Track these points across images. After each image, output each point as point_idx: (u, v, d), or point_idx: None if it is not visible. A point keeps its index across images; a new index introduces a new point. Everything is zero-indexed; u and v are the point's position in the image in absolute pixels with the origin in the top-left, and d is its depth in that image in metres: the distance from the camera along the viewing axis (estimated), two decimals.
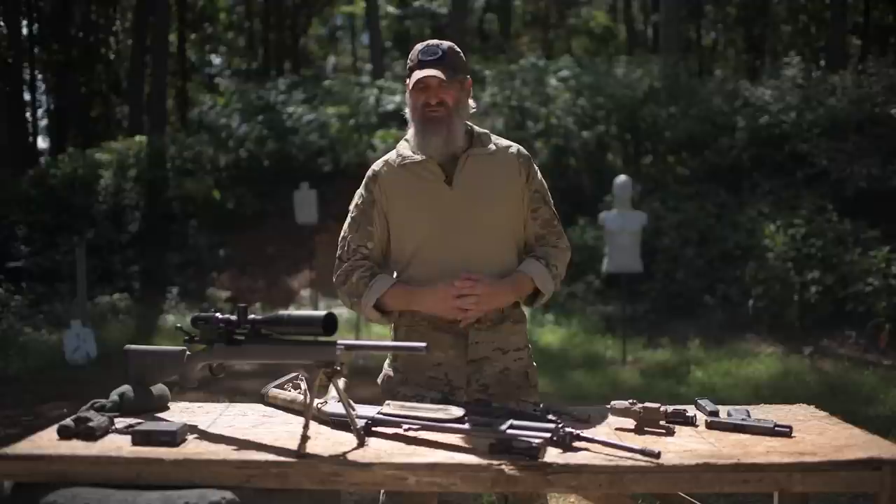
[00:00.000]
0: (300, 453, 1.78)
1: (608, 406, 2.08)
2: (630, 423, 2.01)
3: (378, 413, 1.99)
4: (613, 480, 1.73)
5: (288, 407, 2.22)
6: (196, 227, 13.35)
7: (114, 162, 14.27)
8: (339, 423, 1.98)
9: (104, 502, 1.68)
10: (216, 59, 28.10)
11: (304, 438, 1.80)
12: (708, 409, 2.13)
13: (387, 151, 2.51)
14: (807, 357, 7.89)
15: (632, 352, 8.19)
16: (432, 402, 2.16)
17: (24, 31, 20.06)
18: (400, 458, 1.78)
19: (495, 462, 1.75)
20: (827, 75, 12.29)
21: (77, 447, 1.83)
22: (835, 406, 2.69)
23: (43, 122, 23.71)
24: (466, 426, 1.89)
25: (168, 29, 17.65)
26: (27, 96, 20.80)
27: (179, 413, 2.18)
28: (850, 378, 6.94)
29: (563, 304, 9.79)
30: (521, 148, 2.46)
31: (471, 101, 2.40)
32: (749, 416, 2.07)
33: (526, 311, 2.50)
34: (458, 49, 2.37)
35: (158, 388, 2.20)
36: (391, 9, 24.70)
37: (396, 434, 1.93)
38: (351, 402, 1.93)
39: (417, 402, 2.12)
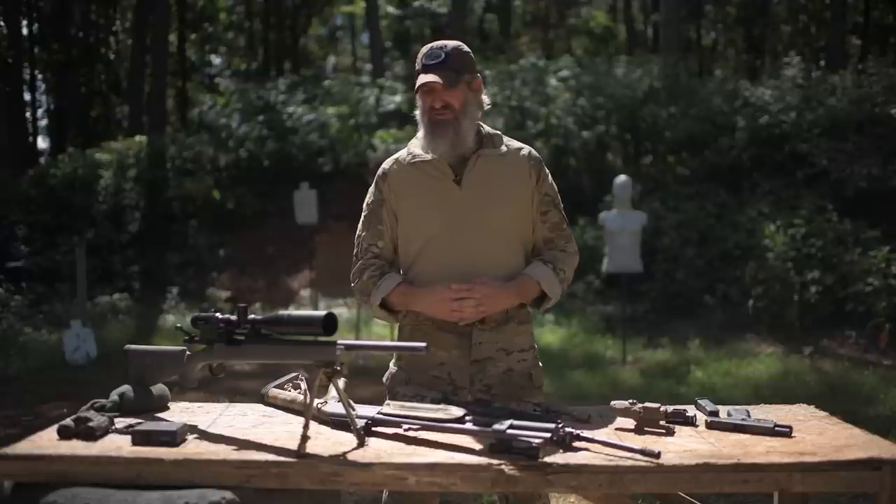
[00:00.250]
0: (300, 453, 1.78)
1: (608, 406, 2.07)
2: (630, 423, 2.01)
3: (378, 413, 1.99)
4: (613, 480, 1.73)
5: (288, 407, 2.21)
6: (196, 227, 13.35)
7: (114, 162, 14.28)
8: (339, 423, 1.98)
9: (104, 502, 1.68)
10: (216, 59, 28.06)
11: (304, 438, 1.80)
12: (708, 409, 2.13)
13: (387, 151, 2.51)
14: (807, 357, 7.88)
15: (632, 352, 8.19)
16: (432, 401, 2.16)
17: (24, 30, 20.07)
18: (400, 458, 1.78)
19: (495, 462, 1.75)
20: (827, 75, 12.29)
21: (77, 447, 1.83)
22: (835, 406, 2.69)
23: (43, 122, 23.73)
24: (466, 426, 1.89)
25: (168, 29, 17.64)
26: (27, 96, 20.82)
27: (179, 413, 2.18)
28: (850, 378, 6.94)
29: (563, 304, 9.78)
30: (533, 150, 2.44)
31: (484, 98, 2.39)
32: (749, 416, 2.06)
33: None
34: (466, 48, 2.35)
35: (158, 388, 2.20)
36: (391, 9, 24.66)
37: (396, 434, 1.93)
38: (351, 402, 1.93)
39: (417, 402, 2.12)
